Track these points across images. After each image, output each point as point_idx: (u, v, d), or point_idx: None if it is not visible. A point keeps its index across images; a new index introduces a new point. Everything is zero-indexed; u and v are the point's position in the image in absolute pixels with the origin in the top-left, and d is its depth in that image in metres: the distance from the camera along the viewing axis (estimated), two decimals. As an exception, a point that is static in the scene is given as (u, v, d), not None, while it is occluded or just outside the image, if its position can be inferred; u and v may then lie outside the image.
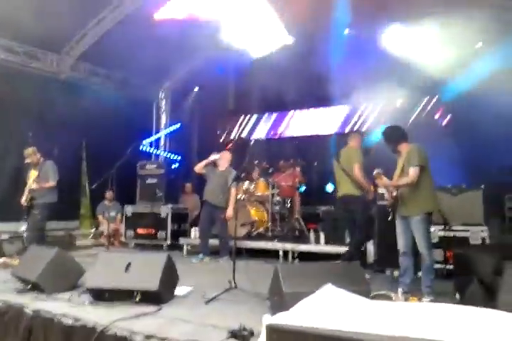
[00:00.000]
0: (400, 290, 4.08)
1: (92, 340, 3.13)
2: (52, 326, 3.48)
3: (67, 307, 3.66)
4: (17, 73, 8.39)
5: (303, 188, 7.75)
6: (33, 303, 3.80)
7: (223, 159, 6.90)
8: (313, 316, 1.95)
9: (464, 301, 3.45)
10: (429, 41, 7.39)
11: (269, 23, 7.91)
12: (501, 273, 2.83)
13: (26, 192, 6.49)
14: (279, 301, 3.28)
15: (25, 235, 6.74)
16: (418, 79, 7.69)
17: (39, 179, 6.43)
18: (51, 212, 6.55)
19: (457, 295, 3.81)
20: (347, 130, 9.09)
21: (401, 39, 7.77)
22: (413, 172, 4.18)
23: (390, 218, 4.51)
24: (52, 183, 6.46)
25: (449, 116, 8.09)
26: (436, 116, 8.20)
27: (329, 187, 5.89)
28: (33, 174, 6.51)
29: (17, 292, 4.19)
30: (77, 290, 4.21)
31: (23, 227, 7.04)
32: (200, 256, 6.74)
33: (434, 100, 8.32)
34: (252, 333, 2.81)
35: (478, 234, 5.19)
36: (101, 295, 3.83)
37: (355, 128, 8.98)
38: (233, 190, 6.65)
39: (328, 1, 7.52)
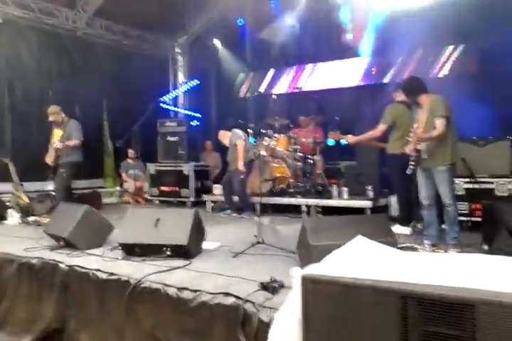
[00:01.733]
0: (425, 242, 4.10)
1: (126, 293, 3.25)
2: (87, 281, 3.61)
3: (100, 263, 3.79)
4: (33, 30, 8.30)
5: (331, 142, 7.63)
6: (67, 259, 3.92)
7: (222, 139, 7.27)
8: (346, 266, 1.98)
9: (492, 251, 3.47)
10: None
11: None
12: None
13: (52, 152, 6.56)
14: (307, 254, 3.32)
15: (53, 194, 6.89)
16: (444, 27, 7.32)
17: (63, 138, 6.46)
18: (77, 171, 6.64)
19: (484, 246, 3.82)
20: (368, 82, 8.84)
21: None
22: (440, 123, 4.07)
23: (409, 171, 4.47)
24: (76, 142, 6.49)
25: (474, 66, 7.77)
26: (462, 66, 7.87)
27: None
28: (56, 133, 6.54)
29: (50, 249, 4.31)
30: (108, 246, 4.34)
31: (50, 186, 7.20)
32: (228, 211, 7.01)
33: (460, 49, 7.97)
34: (282, 285, 2.87)
35: (505, 186, 5.14)
36: (132, 251, 3.94)
37: (377, 81, 8.69)
38: (239, 144, 6.78)
39: None
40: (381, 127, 5.34)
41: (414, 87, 4.42)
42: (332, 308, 1.88)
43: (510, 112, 6.34)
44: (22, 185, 6.85)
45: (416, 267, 1.96)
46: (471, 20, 6.93)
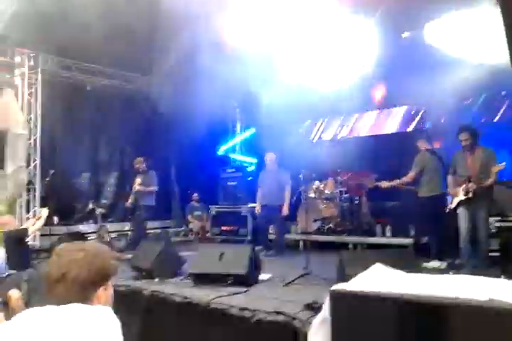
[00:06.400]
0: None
1: (198, 313, 4.05)
2: (165, 303, 4.40)
3: (175, 289, 4.57)
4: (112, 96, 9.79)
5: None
6: (148, 286, 4.75)
7: (269, 160, 7.53)
8: (364, 285, 2.69)
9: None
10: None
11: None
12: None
13: (133, 196, 7.74)
14: (344, 282, 4.00)
15: (130, 233, 7.97)
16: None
17: (144, 184, 7.67)
18: (150, 213, 7.73)
19: (502, 276, 4.32)
20: (409, 129, 9.44)
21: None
22: (494, 172, 4.89)
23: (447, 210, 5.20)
24: (153, 188, 7.65)
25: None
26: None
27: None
28: (137, 181, 7.74)
29: (134, 278, 5.18)
30: (181, 276, 5.15)
31: (126, 227, 8.30)
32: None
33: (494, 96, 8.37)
34: (321, 305, 3.56)
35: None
36: (201, 279, 4.75)
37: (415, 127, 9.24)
38: (288, 188, 7.22)
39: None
40: (411, 174, 6.07)
41: (479, 135, 5.24)
42: (351, 312, 2.60)
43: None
44: (105, 225, 7.95)
45: (416, 283, 2.64)
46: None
